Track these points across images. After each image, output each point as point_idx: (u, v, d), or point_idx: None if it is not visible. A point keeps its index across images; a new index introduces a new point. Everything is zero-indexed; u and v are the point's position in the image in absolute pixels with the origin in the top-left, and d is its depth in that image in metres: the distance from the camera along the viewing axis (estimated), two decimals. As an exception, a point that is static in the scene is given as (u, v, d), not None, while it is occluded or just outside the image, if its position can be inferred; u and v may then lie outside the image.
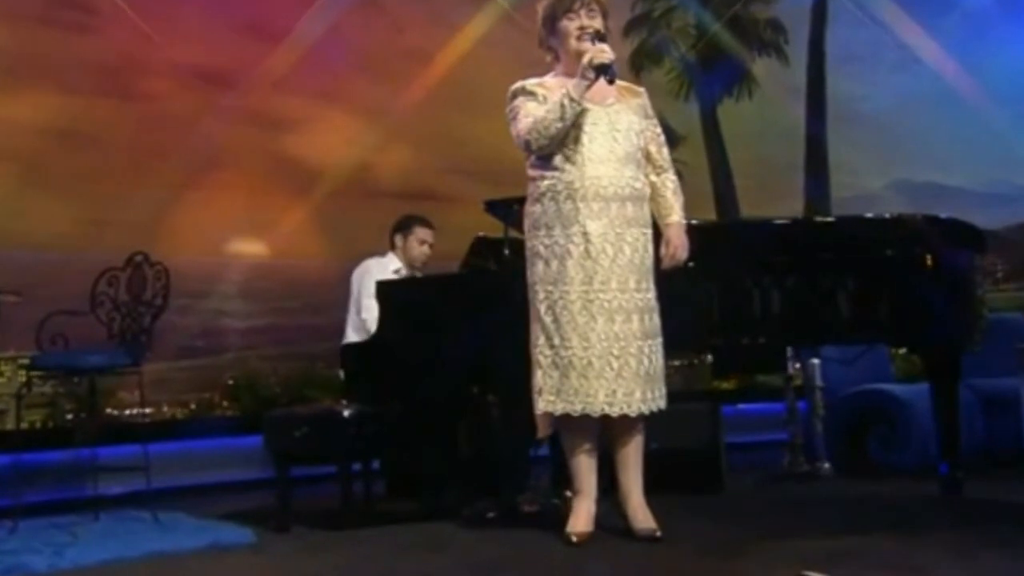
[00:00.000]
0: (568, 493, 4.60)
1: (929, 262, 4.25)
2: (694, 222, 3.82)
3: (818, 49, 8.19)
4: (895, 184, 8.14)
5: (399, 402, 4.43)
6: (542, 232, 3.61)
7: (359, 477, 4.81)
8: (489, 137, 7.29)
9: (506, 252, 4.28)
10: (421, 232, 5.34)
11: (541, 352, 3.58)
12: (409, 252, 5.30)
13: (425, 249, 5.32)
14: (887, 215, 4.42)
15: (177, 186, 6.64)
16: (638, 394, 3.53)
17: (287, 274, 6.93)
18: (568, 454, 3.64)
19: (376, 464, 4.97)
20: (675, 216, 3.69)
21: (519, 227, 4.40)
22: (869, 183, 8.17)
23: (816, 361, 5.47)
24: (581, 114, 3.57)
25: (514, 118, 3.64)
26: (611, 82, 3.50)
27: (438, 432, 4.59)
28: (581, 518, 3.60)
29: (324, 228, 6.93)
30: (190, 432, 6.16)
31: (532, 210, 3.66)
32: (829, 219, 4.58)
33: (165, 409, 6.49)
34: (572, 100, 3.49)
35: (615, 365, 3.51)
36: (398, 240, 5.34)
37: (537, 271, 3.62)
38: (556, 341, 3.54)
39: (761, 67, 8.22)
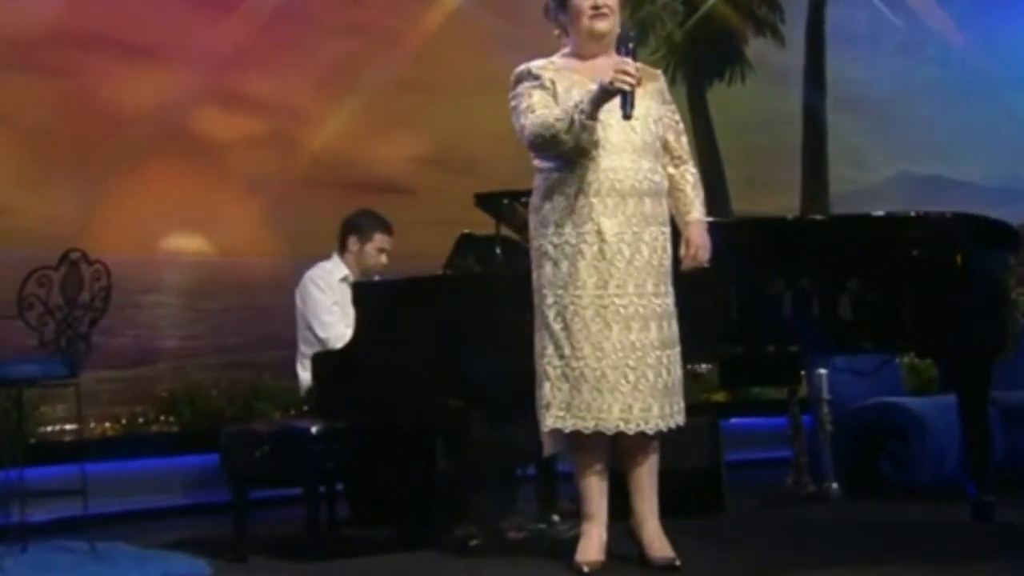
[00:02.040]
0: (556, 517, 4.63)
1: (959, 263, 4.32)
2: (714, 220, 3.84)
3: (817, 29, 8.27)
4: (897, 177, 8.25)
5: (372, 417, 4.41)
6: (551, 230, 3.61)
7: (323, 500, 4.80)
8: (458, 122, 7.33)
9: (497, 252, 4.27)
10: (381, 239, 5.17)
11: (549, 363, 3.58)
12: (364, 260, 5.14)
13: (383, 259, 5.17)
14: (912, 213, 4.48)
15: (103, 174, 6.54)
16: (656, 409, 3.55)
17: (231, 274, 6.84)
18: (578, 476, 3.66)
19: (339, 485, 4.97)
20: (696, 213, 3.71)
21: (511, 224, 4.42)
22: (869, 176, 8.28)
23: (823, 372, 5.52)
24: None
25: (518, 108, 3.64)
26: (627, 117, 3.48)
27: (414, 450, 4.58)
28: (592, 546, 3.61)
29: (277, 223, 6.85)
30: (125, 451, 6.07)
31: (539, 205, 3.66)
32: (850, 217, 4.62)
33: (92, 425, 6.39)
34: (585, 117, 3.48)
35: (631, 377, 3.52)
36: (352, 243, 5.16)
37: (545, 273, 3.62)
38: (566, 351, 3.55)
39: (755, 48, 8.28)
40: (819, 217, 5.49)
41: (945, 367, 4.90)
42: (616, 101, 3.51)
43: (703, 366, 6.09)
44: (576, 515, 4.05)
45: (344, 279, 5.12)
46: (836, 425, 5.52)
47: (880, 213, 4.61)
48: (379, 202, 5.61)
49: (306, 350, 5.00)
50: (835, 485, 5.45)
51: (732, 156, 7.88)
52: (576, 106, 3.50)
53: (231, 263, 6.79)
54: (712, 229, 3.75)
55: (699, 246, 3.66)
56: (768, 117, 8.15)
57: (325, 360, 4.55)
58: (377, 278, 5.22)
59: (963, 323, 4.27)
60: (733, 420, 6.14)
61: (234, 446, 4.61)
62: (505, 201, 4.40)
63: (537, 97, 3.61)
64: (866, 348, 4.57)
